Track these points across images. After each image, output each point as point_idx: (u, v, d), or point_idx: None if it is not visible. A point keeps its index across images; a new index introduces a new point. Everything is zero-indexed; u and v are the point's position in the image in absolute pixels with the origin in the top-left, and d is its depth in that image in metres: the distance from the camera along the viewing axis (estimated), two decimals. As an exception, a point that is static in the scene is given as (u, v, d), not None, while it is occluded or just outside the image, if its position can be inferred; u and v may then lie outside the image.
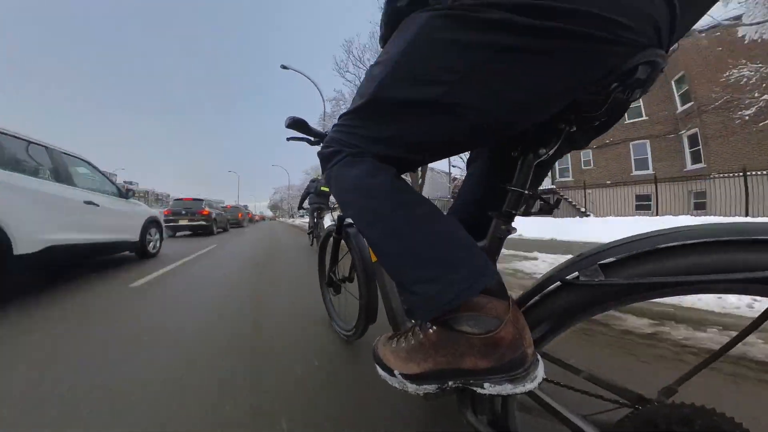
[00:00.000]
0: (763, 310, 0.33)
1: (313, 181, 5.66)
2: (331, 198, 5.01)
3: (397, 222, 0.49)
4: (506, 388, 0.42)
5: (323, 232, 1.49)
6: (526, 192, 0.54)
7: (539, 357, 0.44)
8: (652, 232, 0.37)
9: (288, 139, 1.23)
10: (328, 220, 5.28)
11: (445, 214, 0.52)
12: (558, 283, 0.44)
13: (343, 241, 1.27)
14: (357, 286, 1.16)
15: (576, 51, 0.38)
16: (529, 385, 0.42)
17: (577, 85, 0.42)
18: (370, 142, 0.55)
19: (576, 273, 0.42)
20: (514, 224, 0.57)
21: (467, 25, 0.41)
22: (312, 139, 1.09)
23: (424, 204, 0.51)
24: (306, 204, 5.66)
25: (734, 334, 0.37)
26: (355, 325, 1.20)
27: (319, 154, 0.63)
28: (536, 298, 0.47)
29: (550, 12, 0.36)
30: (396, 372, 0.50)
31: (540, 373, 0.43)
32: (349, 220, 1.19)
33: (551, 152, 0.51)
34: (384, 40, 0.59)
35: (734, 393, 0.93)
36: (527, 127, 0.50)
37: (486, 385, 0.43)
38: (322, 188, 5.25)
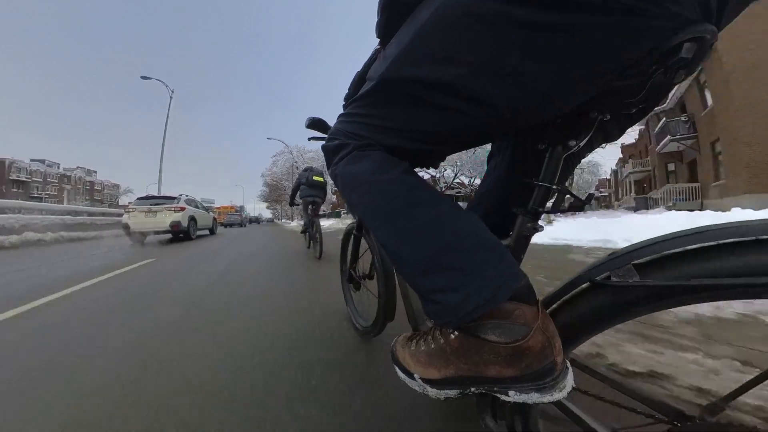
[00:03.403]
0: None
1: (305, 170, 4.46)
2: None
3: (411, 224, 0.45)
4: (533, 397, 0.40)
5: (348, 228, 1.49)
6: (555, 187, 0.51)
7: (569, 365, 0.41)
8: (694, 228, 0.34)
9: (309, 139, 1.26)
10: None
11: (465, 210, 0.49)
12: (587, 283, 0.41)
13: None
14: (376, 284, 1.16)
15: (611, 27, 0.34)
16: (558, 395, 0.39)
17: (613, 68, 0.38)
18: (379, 132, 0.51)
19: (607, 273, 0.38)
20: (540, 222, 0.54)
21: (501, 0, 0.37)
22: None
23: (440, 202, 0.47)
24: (298, 199, 4.50)
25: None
26: (374, 323, 1.20)
27: (324, 147, 0.60)
28: (564, 299, 0.44)
29: None
30: (416, 376, 0.49)
31: (569, 382, 0.40)
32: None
33: (582, 144, 0.47)
34: (380, 27, 0.55)
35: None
36: (555, 115, 0.45)
37: (511, 393, 0.41)
38: (315, 177, 4.28)
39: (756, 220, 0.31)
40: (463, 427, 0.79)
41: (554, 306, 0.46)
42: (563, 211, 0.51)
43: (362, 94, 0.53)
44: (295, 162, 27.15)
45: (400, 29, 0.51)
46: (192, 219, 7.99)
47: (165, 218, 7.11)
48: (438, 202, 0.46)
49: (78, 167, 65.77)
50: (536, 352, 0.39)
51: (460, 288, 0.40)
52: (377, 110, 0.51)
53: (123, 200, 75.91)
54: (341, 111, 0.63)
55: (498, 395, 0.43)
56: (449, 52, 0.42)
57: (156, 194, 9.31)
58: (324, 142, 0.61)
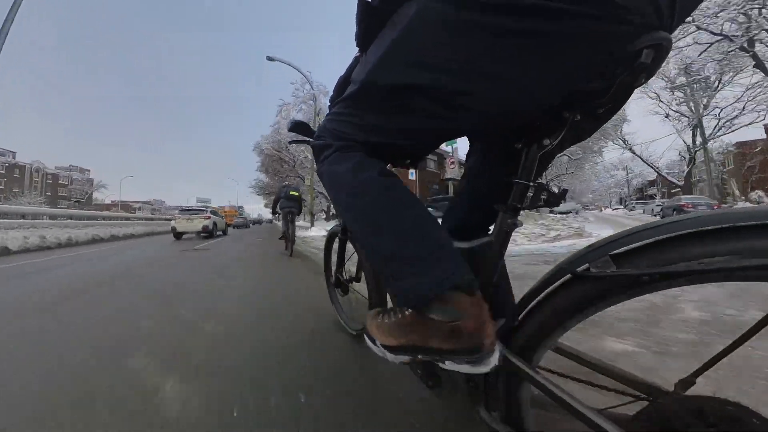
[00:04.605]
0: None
1: (284, 186, 6.12)
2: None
3: (381, 221, 0.52)
4: (463, 368, 0.48)
5: (331, 232, 1.49)
6: (532, 184, 0.53)
7: (498, 348, 0.48)
8: (664, 220, 0.36)
9: (290, 142, 1.25)
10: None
11: (429, 213, 0.55)
12: (568, 275, 0.43)
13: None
14: (365, 285, 1.16)
15: (577, 33, 0.37)
16: (483, 369, 0.47)
17: (580, 70, 0.41)
18: (363, 130, 0.56)
19: (586, 265, 0.41)
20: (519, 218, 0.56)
21: (467, 7, 0.40)
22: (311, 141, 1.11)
23: (410, 204, 0.53)
24: (278, 209, 5.68)
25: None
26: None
27: (312, 145, 0.65)
28: (547, 290, 0.46)
29: None
30: (378, 342, 0.56)
31: (494, 360, 0.47)
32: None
33: (555, 143, 0.50)
34: (359, 37, 0.60)
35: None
36: (529, 116, 0.49)
37: (448, 362, 0.49)
38: (292, 192, 5.53)
39: (712, 212, 0.34)
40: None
41: (539, 297, 0.48)
42: (540, 207, 0.54)
43: (346, 96, 0.57)
44: (313, 95, 16.16)
45: (379, 35, 0.54)
46: (214, 224, 11.60)
47: (198, 223, 10.74)
48: (408, 204, 0.53)
49: (37, 161, 56.76)
50: (468, 333, 0.46)
51: (415, 277, 0.49)
52: (360, 111, 0.56)
53: (97, 196, 67.14)
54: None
55: (438, 364, 0.51)
56: (425, 59, 0.46)
57: (193, 207, 13.46)
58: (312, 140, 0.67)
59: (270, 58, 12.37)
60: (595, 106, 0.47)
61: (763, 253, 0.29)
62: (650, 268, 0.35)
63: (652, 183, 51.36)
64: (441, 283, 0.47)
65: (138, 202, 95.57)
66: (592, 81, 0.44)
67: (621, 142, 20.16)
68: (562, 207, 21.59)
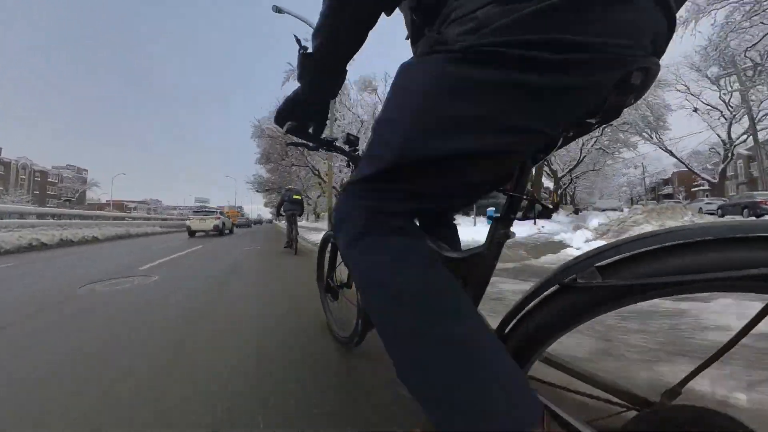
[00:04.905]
0: (761, 308, 0.33)
1: (287, 190, 6.57)
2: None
3: (423, 339, 0.41)
4: None
5: (324, 237, 1.49)
6: (525, 197, 0.54)
7: None
8: (649, 232, 0.37)
9: (288, 144, 1.23)
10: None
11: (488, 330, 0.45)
12: (556, 286, 0.44)
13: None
14: (355, 292, 1.15)
15: (588, 77, 0.39)
16: None
17: (587, 103, 0.43)
18: (397, 201, 0.50)
19: (573, 276, 0.41)
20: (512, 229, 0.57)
21: (488, 65, 0.40)
22: (311, 144, 0.99)
23: (464, 317, 0.42)
24: (282, 211, 6.32)
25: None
26: (353, 332, 1.19)
27: (335, 219, 0.56)
28: (535, 301, 0.47)
29: (565, 46, 0.37)
30: None
31: None
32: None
33: (548, 156, 0.52)
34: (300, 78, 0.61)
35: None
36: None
37: None
38: (295, 196, 6.20)
39: (694, 225, 0.35)
40: None
41: (527, 308, 0.48)
42: (532, 219, 0.55)
43: (374, 176, 0.49)
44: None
45: (388, 97, 0.51)
46: (223, 223, 13.37)
47: (210, 223, 12.48)
48: (460, 317, 0.42)
49: (24, 157, 54.00)
50: None
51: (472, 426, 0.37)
52: (393, 186, 0.49)
53: (92, 196, 65.59)
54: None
55: None
56: (459, 123, 0.43)
57: (205, 208, 15.48)
58: (338, 212, 0.56)
59: (277, 9, 9.79)
60: (586, 124, 0.50)
61: (745, 265, 0.30)
62: (635, 279, 0.36)
63: (666, 182, 50.37)
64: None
65: (133, 201, 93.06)
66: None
67: (654, 139, 17.60)
68: (606, 204, 21.56)
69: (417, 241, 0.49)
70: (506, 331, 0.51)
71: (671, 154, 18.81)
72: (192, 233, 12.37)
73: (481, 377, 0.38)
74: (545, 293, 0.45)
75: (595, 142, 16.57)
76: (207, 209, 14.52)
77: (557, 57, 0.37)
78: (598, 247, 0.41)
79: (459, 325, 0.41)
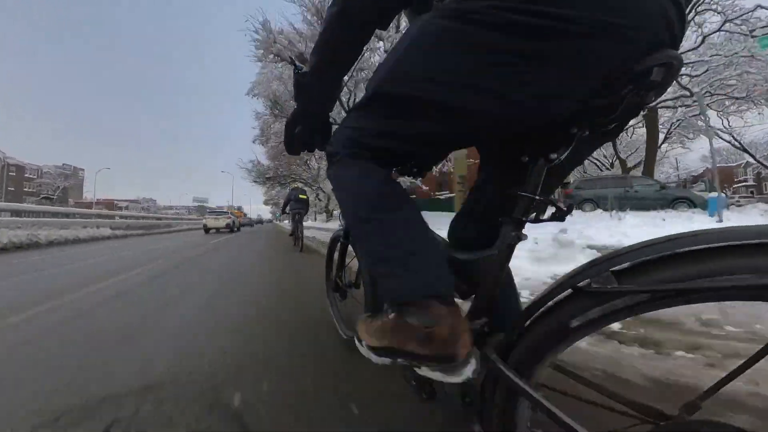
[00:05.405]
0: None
1: (293, 189, 6.98)
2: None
3: (376, 225, 0.55)
4: (437, 375, 0.50)
5: (334, 236, 1.50)
6: (537, 197, 0.53)
7: (474, 359, 0.49)
8: (670, 235, 0.36)
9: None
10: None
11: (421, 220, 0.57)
12: (569, 290, 0.43)
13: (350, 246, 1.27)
14: (363, 292, 1.15)
15: (578, 52, 0.39)
16: (456, 378, 0.49)
17: (581, 87, 0.42)
18: (370, 136, 0.58)
19: (588, 280, 0.40)
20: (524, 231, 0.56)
21: (472, 26, 0.42)
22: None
23: (404, 209, 0.56)
24: (287, 210, 6.74)
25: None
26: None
27: (326, 150, 0.67)
28: (548, 305, 0.46)
29: (554, 17, 0.38)
30: (364, 343, 0.60)
31: (468, 371, 0.48)
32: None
33: (563, 157, 0.50)
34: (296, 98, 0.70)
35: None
36: (530, 127, 0.50)
37: (423, 368, 0.51)
38: (300, 196, 6.52)
39: (724, 228, 0.33)
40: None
41: (539, 311, 0.47)
42: (545, 221, 0.54)
43: (358, 105, 0.60)
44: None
45: (392, 47, 0.57)
46: (233, 222, 16.47)
47: (223, 221, 15.70)
48: (403, 210, 0.56)
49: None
50: (442, 340, 0.48)
51: (397, 279, 0.52)
52: (371, 119, 0.58)
53: (87, 195, 62.27)
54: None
55: (415, 369, 0.54)
56: (430, 73, 0.48)
57: (218, 209, 19.56)
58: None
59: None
60: (603, 123, 0.48)
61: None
62: (654, 285, 0.35)
63: (695, 179, 48.46)
64: (419, 288, 0.50)
65: (125, 200, 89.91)
66: (601, 98, 0.44)
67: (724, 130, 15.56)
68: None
69: (376, 167, 0.58)
70: (516, 336, 0.50)
71: (740, 145, 17.30)
72: (207, 230, 15.33)
73: (410, 249, 0.52)
74: (558, 297, 0.44)
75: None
76: (219, 210, 18.61)
77: (540, 22, 0.38)
78: (615, 250, 0.39)
79: (397, 212, 0.55)
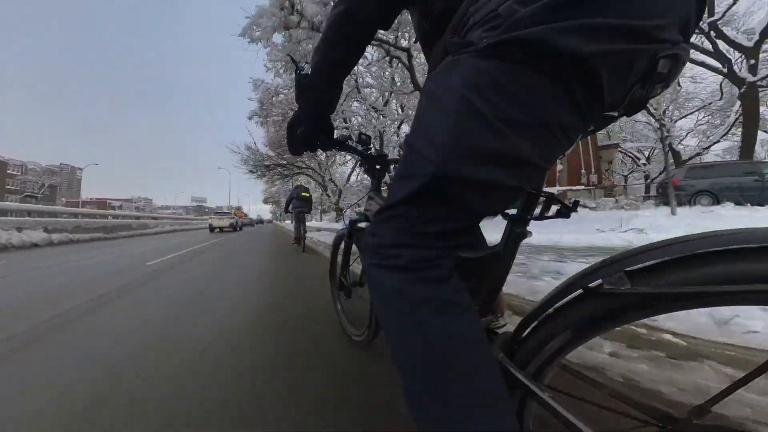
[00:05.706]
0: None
1: (296, 187, 6.83)
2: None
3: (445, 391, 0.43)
4: None
5: (338, 235, 1.49)
6: (543, 195, 0.52)
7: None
8: (688, 236, 0.35)
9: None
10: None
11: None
12: (580, 290, 0.42)
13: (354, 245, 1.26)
14: (368, 290, 1.15)
15: (619, 65, 0.37)
16: None
17: (613, 92, 0.41)
18: (441, 221, 0.46)
19: (600, 281, 0.39)
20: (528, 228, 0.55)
21: (517, 59, 0.39)
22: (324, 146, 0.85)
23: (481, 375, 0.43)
24: (290, 209, 6.50)
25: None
26: (366, 329, 1.19)
27: (367, 243, 0.51)
28: (557, 305, 0.45)
29: (595, 31, 0.35)
30: None
31: None
32: (362, 224, 1.19)
33: (567, 152, 0.49)
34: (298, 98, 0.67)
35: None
36: None
37: None
38: (303, 194, 6.36)
39: (741, 229, 0.32)
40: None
41: (548, 312, 0.47)
42: (550, 218, 0.53)
43: (408, 197, 0.46)
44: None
45: (419, 116, 0.48)
46: (236, 221, 17.96)
47: (227, 221, 17.20)
48: (479, 374, 0.43)
49: None
50: None
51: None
52: (430, 211, 0.45)
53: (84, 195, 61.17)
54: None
55: None
56: (502, 120, 0.40)
57: (222, 210, 22.35)
58: (368, 235, 0.52)
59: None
60: (607, 117, 0.47)
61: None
62: (667, 288, 0.34)
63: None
64: None
65: (119, 200, 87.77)
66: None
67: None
68: None
69: (460, 295, 0.46)
70: (524, 335, 0.50)
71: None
72: (213, 229, 16.74)
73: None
74: (568, 297, 0.43)
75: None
76: (223, 211, 21.20)
77: (581, 44, 0.35)
78: (629, 250, 0.38)
79: (476, 380, 0.42)
